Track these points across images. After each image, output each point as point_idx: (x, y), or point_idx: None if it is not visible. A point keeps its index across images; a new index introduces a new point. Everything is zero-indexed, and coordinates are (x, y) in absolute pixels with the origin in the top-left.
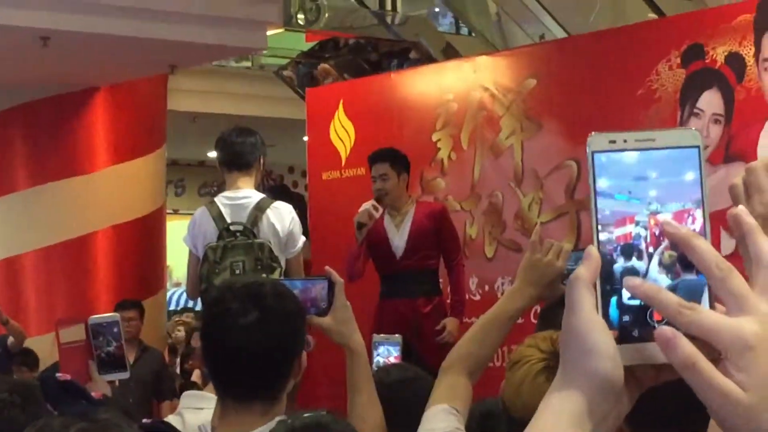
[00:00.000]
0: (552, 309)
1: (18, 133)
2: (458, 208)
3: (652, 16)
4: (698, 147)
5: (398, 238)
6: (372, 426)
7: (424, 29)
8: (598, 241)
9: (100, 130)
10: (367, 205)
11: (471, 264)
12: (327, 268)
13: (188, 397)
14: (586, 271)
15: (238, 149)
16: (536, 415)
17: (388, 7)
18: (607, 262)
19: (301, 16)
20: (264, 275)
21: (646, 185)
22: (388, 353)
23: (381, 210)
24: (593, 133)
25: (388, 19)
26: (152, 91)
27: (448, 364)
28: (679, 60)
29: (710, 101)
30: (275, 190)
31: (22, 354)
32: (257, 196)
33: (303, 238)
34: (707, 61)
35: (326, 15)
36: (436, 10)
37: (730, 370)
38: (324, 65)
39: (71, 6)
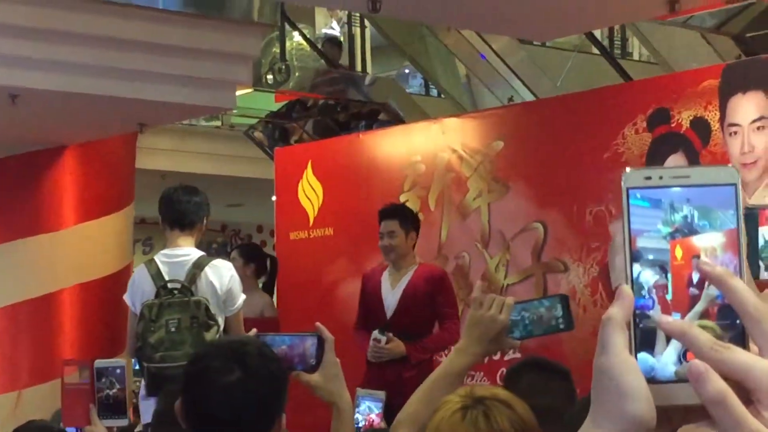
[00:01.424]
0: (516, 372)
1: None
2: None
3: (620, 80)
4: (735, 185)
5: (391, 297)
6: None
7: (393, 91)
8: (632, 281)
9: (68, 187)
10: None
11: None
12: (317, 324)
13: None
14: (620, 310)
15: (184, 208)
16: None
17: (359, 68)
18: (637, 302)
19: (270, 76)
20: (202, 332)
21: (682, 223)
22: (369, 410)
23: (384, 339)
24: (628, 168)
25: (358, 81)
26: (121, 150)
27: (396, 423)
28: (645, 124)
29: (676, 165)
30: (247, 248)
31: None
32: (196, 253)
33: (243, 296)
34: (673, 125)
35: (296, 75)
36: (406, 71)
37: (760, 410)
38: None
39: (41, 64)
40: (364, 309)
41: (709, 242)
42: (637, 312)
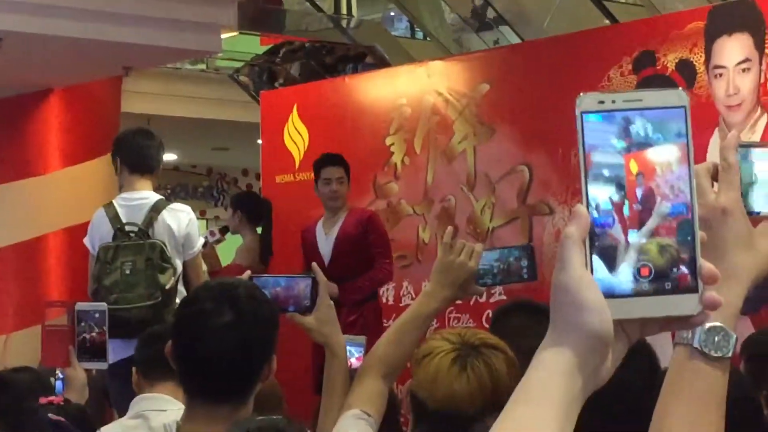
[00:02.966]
0: (504, 313)
1: None
2: (411, 212)
3: (606, 22)
4: (684, 107)
5: (326, 245)
6: None
7: (378, 34)
8: (587, 199)
9: (54, 131)
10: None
11: (424, 268)
12: (313, 265)
13: (146, 400)
14: (576, 228)
15: (145, 153)
16: (528, 372)
17: (344, 11)
18: (595, 220)
19: None
20: (156, 274)
21: (635, 143)
22: (350, 354)
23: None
24: (582, 93)
25: (343, 23)
26: (106, 93)
27: (363, 367)
28: (630, 66)
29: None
30: (243, 196)
31: None
32: (154, 197)
33: (201, 240)
34: (658, 67)
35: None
36: (392, 14)
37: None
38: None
39: (25, 7)
40: (307, 263)
41: (664, 156)
42: (598, 230)
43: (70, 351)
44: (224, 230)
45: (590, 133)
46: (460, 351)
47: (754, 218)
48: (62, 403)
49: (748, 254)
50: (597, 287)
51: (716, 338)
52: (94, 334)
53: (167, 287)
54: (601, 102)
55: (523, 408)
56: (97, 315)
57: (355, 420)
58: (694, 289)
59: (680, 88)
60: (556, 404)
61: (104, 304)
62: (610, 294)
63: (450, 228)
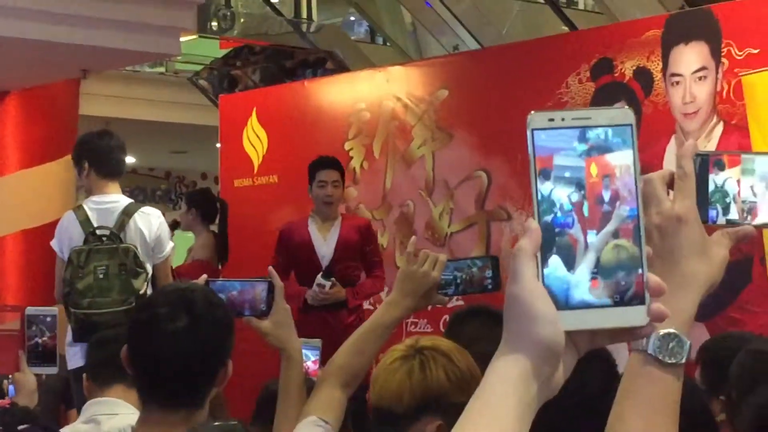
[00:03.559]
0: (461, 318)
1: None
2: (370, 216)
3: (565, 29)
4: (631, 125)
5: (325, 247)
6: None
7: (338, 38)
8: (539, 214)
9: (11, 133)
10: (316, 285)
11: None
12: (270, 269)
13: (97, 404)
14: (528, 242)
15: (115, 156)
16: (484, 380)
17: (304, 15)
18: (547, 234)
19: (215, 23)
20: (130, 279)
21: (594, 148)
22: (306, 358)
23: (328, 284)
24: (533, 111)
25: (303, 27)
26: (64, 96)
27: (323, 375)
28: (588, 73)
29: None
30: (198, 194)
31: None
32: (125, 200)
33: (171, 244)
34: (616, 75)
35: (241, 21)
36: (352, 19)
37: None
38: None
39: None
40: (286, 260)
41: (622, 160)
42: (557, 230)
43: (19, 356)
44: (174, 225)
45: (540, 151)
46: (406, 353)
47: (709, 227)
48: (8, 407)
49: (702, 262)
50: (549, 299)
51: (670, 345)
52: (45, 338)
53: (141, 292)
54: (551, 119)
55: (479, 414)
56: (48, 319)
57: (313, 427)
58: (641, 301)
59: (626, 107)
60: (511, 411)
61: (55, 309)
62: (561, 305)
63: (413, 238)
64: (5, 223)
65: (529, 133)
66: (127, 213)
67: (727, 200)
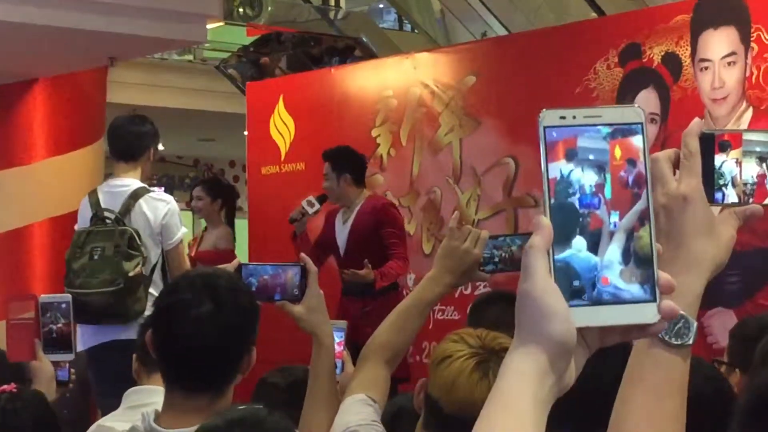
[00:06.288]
0: (482, 304)
1: None
2: (397, 204)
3: (593, 15)
4: (641, 123)
5: (342, 234)
6: (322, 419)
7: (365, 25)
8: (551, 211)
9: (39, 121)
10: (305, 200)
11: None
12: (302, 254)
13: (136, 393)
14: (540, 239)
15: (126, 140)
16: (499, 376)
17: (332, 2)
18: (559, 230)
19: (241, 10)
20: (121, 262)
21: (594, 158)
22: None
23: (317, 206)
24: (544, 109)
25: (331, 15)
26: (92, 83)
27: (365, 353)
28: (616, 59)
29: (646, 101)
30: (206, 184)
31: None
32: (136, 185)
33: (183, 230)
34: (644, 60)
35: (268, 9)
36: (380, 6)
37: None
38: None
39: None
40: (317, 246)
41: (644, 144)
42: (583, 211)
43: (35, 344)
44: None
45: (552, 147)
46: (481, 357)
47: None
48: (14, 390)
49: (709, 242)
50: (560, 296)
51: (677, 326)
52: (60, 325)
53: (131, 274)
54: (563, 117)
55: (498, 411)
56: (63, 306)
57: (362, 405)
58: (652, 298)
59: (637, 105)
60: (528, 406)
61: (69, 295)
62: (573, 302)
63: (457, 212)
64: (32, 211)
65: (540, 130)
66: (134, 197)
67: (722, 181)
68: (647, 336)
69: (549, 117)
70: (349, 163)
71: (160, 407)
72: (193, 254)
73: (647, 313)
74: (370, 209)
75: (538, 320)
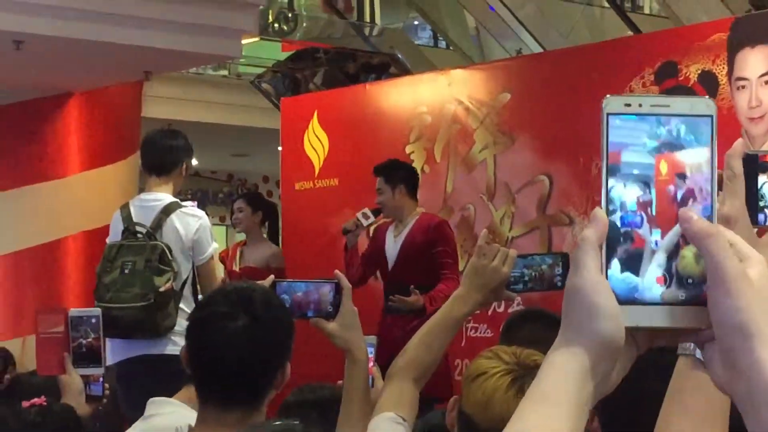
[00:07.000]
0: (516, 322)
1: None
2: None
3: (629, 33)
4: (712, 116)
5: (392, 249)
6: None
7: (400, 42)
8: (607, 204)
9: (74, 135)
10: (360, 211)
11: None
12: (336, 272)
13: (153, 404)
14: (593, 232)
15: (159, 154)
16: (539, 375)
17: (367, 18)
18: (614, 225)
19: (276, 25)
20: (152, 276)
21: (664, 144)
22: None
23: (372, 218)
24: (609, 95)
25: (366, 31)
26: (127, 97)
27: (393, 370)
28: (652, 77)
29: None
30: (253, 197)
31: None
32: (168, 199)
33: (214, 245)
34: (680, 78)
35: (303, 24)
36: (416, 23)
37: None
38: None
39: (46, 10)
40: (366, 259)
41: (695, 158)
42: (624, 230)
43: (65, 358)
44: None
45: (623, 126)
46: (516, 373)
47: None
48: (44, 404)
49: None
50: (611, 293)
51: None
52: (90, 339)
53: (161, 289)
54: (628, 105)
55: (537, 408)
56: (93, 320)
57: (392, 424)
58: (705, 302)
59: (708, 97)
60: (569, 405)
61: (98, 310)
62: (624, 301)
63: (485, 230)
64: (67, 224)
65: (603, 116)
66: (166, 212)
67: (763, 203)
68: (697, 341)
69: (613, 103)
70: (401, 174)
71: (168, 418)
72: (232, 268)
73: (699, 318)
74: (425, 226)
75: (586, 317)
